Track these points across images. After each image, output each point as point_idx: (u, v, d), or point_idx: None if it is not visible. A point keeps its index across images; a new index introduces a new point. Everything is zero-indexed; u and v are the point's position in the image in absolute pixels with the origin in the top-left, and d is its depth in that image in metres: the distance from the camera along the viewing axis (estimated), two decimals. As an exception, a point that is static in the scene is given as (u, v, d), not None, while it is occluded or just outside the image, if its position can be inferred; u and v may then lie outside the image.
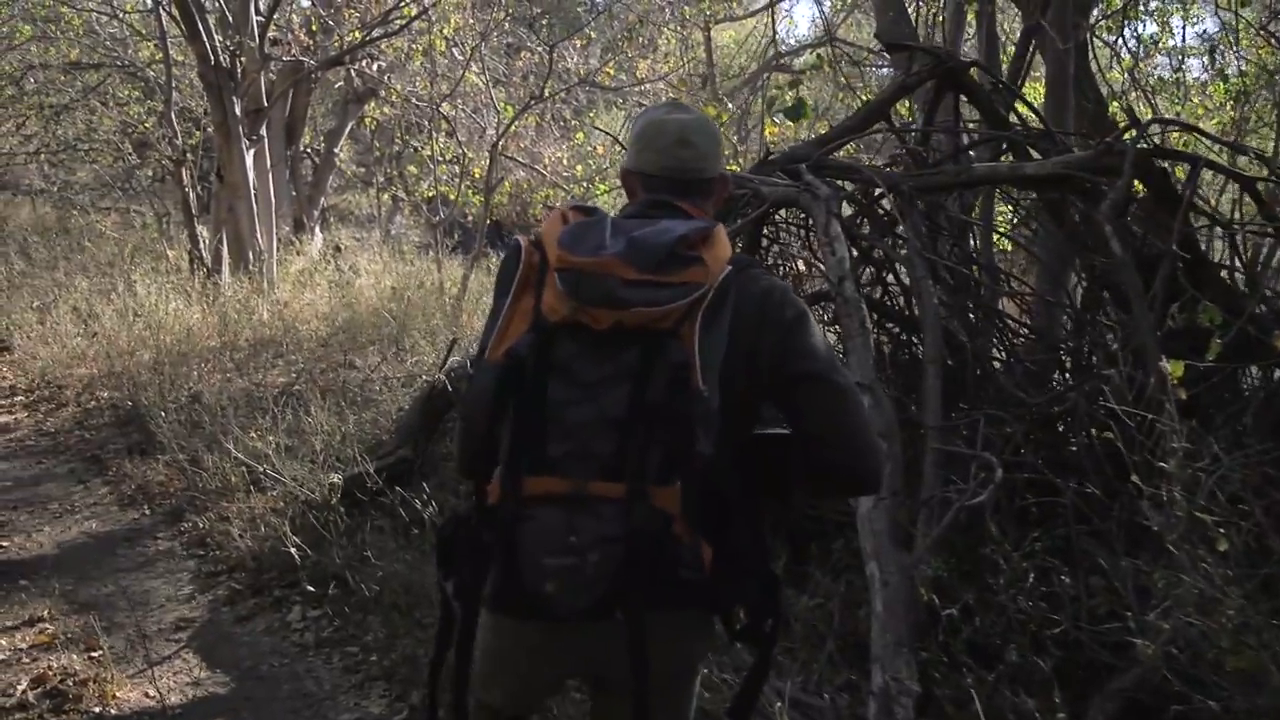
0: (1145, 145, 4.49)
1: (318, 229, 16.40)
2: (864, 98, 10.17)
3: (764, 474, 2.13)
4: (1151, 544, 3.90)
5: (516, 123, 13.02)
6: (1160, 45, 12.00)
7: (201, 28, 11.10)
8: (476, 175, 16.10)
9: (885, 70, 13.56)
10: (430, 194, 18.22)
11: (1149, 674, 3.34)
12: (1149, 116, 6.52)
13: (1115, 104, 11.03)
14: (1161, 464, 3.45)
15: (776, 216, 5.51)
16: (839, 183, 5.18)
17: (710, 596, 2.00)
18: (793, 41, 18.31)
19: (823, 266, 5.52)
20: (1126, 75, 11.10)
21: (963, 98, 5.53)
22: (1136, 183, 4.67)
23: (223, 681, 4.27)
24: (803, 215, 5.38)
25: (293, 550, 4.94)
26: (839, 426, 2.02)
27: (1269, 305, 4.52)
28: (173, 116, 12.67)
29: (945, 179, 5.02)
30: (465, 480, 2.04)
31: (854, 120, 5.56)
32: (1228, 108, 12.01)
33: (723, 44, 19.52)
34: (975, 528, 4.06)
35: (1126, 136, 4.70)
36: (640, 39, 15.72)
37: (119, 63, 14.60)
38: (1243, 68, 11.02)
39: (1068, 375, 5.36)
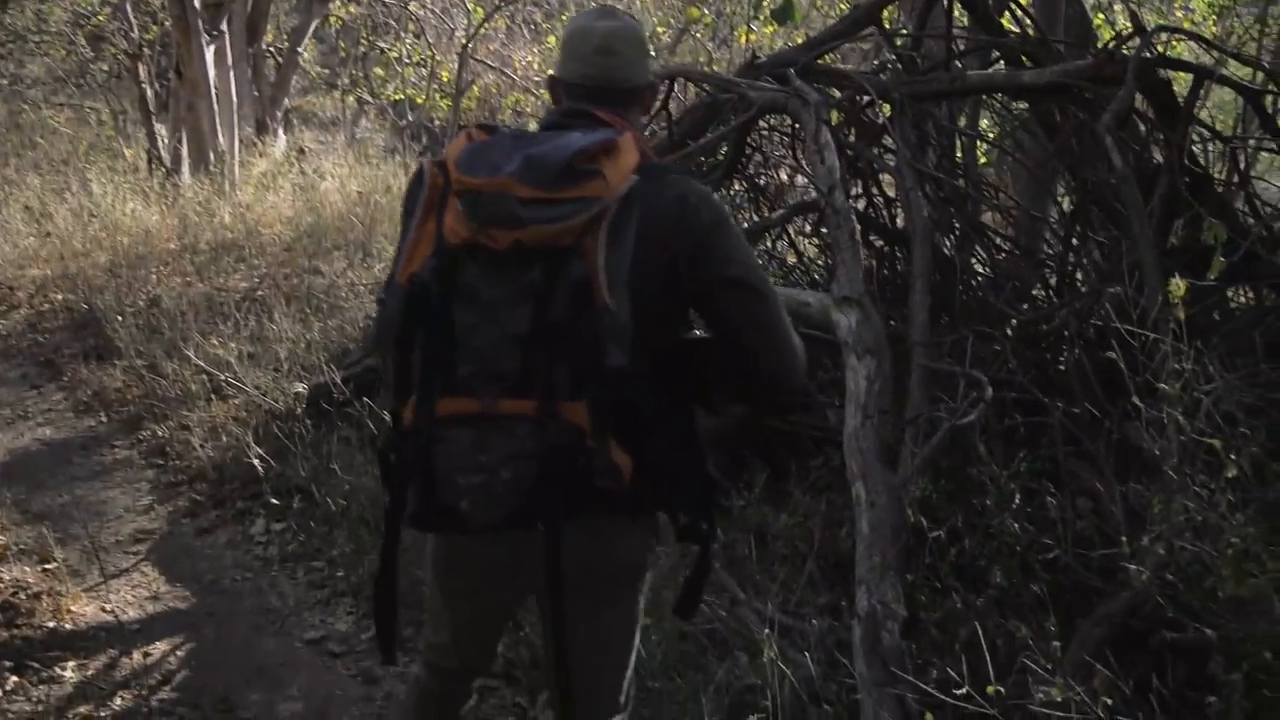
0: (1148, 55, 4.30)
1: (281, 130, 15.98)
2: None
3: (690, 379, 2.16)
4: (1139, 467, 3.81)
5: (486, 25, 12.69)
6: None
7: (158, -85, 10.67)
8: (445, 78, 15.76)
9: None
10: (397, 97, 17.84)
11: (1140, 599, 3.25)
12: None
13: (1100, 16, 10.89)
14: (1161, 385, 3.34)
15: (760, 123, 5.32)
16: (827, 89, 4.99)
17: (631, 504, 2.03)
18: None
19: (810, 174, 5.37)
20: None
21: (956, 2, 5.32)
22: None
23: (183, 596, 4.13)
24: (788, 122, 5.19)
25: (255, 461, 4.77)
26: (759, 331, 2.06)
27: (1266, 223, 4.38)
28: (128, 9, 12.24)
29: (938, 86, 4.84)
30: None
31: (844, 24, 5.35)
32: (1210, 22, 11.87)
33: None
34: (961, 447, 3.94)
35: (1125, 46, 4.50)
36: (613, -62, 15.30)
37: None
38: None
39: (1052, 292, 5.23)
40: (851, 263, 3.97)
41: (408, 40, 15.96)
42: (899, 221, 5.19)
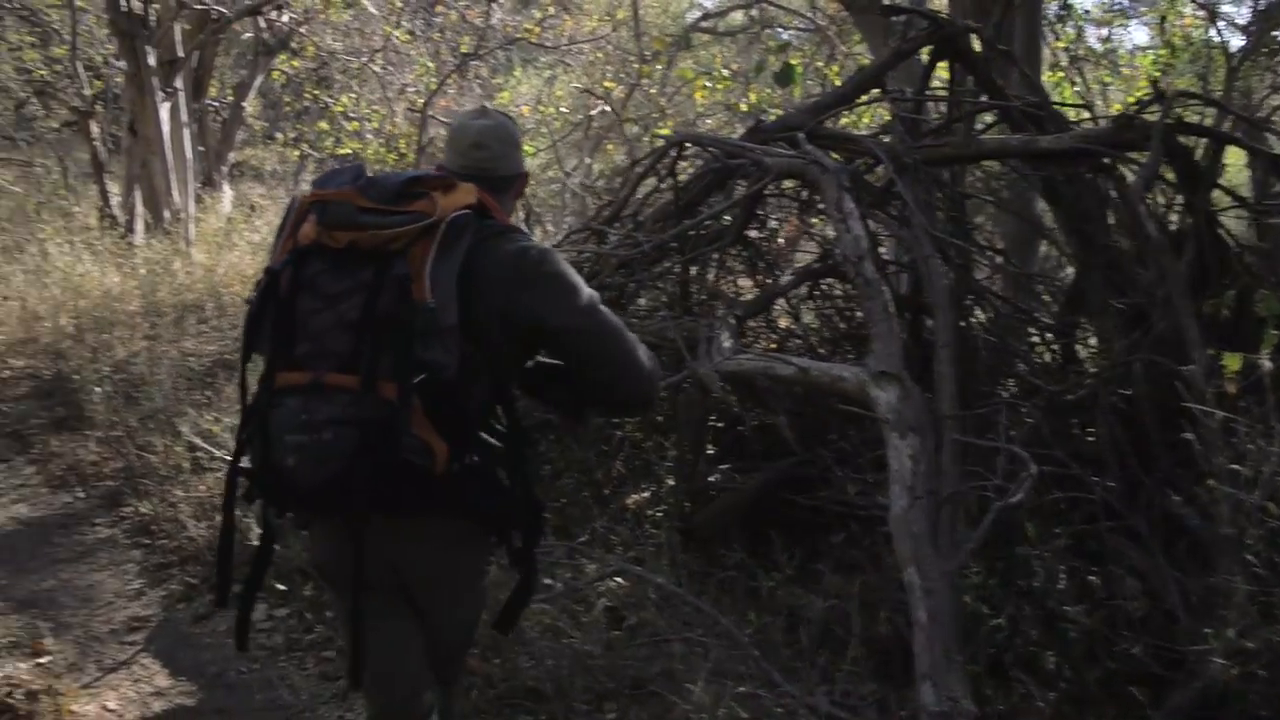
0: (1168, 120, 4.26)
1: (226, 185, 15.71)
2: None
3: (550, 396, 2.62)
4: (1187, 544, 3.74)
5: (443, 80, 12.59)
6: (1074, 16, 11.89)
7: (112, -29, 10.44)
8: (392, 132, 15.60)
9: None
10: (343, 150, 17.63)
11: (1213, 690, 3.16)
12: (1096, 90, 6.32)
13: (1059, 74, 11.03)
14: (1223, 462, 3.27)
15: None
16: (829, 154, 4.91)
17: (445, 497, 2.27)
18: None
19: (816, 240, 5.29)
20: (1067, 47, 11.09)
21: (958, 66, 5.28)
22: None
23: (188, 691, 3.90)
24: (795, 187, 5.12)
25: (254, 540, 4.54)
26: (607, 366, 2.39)
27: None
28: (78, 65, 11.98)
29: (951, 151, 4.79)
30: None
31: (848, 87, 5.30)
32: (1140, 83, 12.07)
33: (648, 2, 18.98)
34: (1003, 524, 3.83)
35: (1145, 112, 4.47)
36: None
37: (11, 3, 13.72)
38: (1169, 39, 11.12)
39: (1055, 358, 5.17)
40: (887, 336, 3.86)
41: (349, 96, 15.80)
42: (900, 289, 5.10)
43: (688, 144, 5.27)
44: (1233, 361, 3.43)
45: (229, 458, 2.38)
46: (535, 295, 2.28)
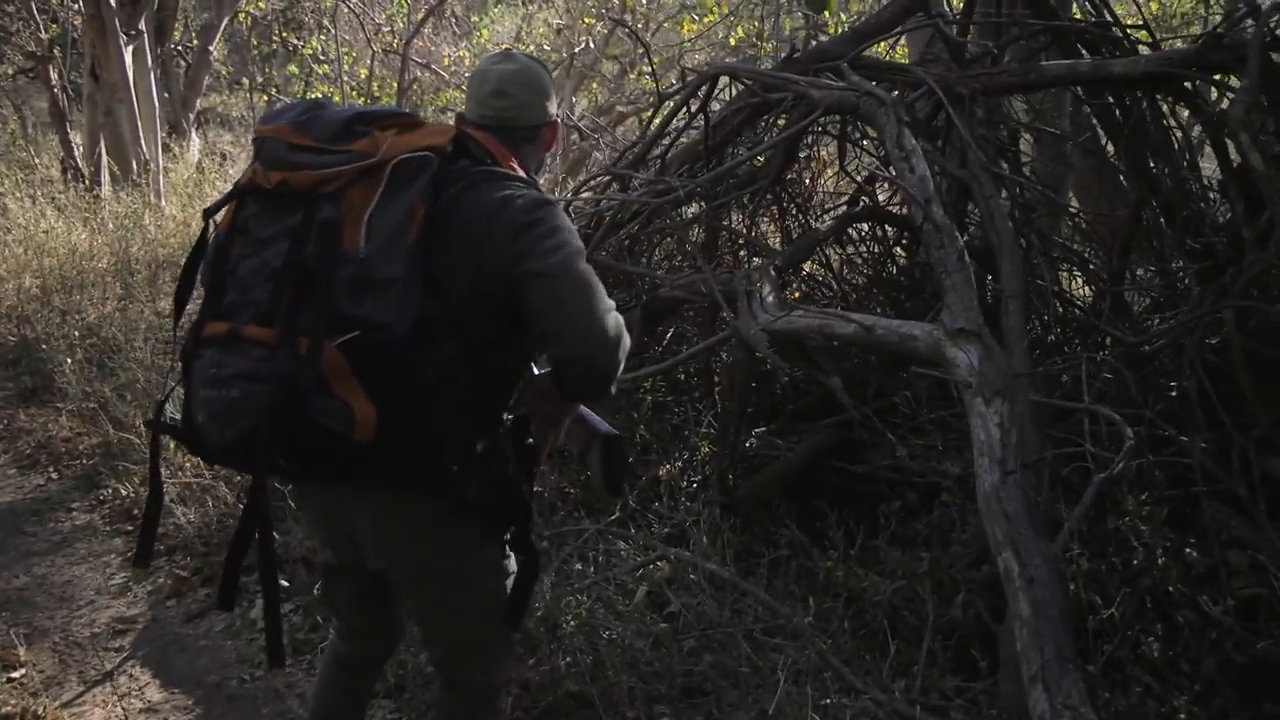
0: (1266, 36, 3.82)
1: (194, 133, 15.10)
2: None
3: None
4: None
5: (413, 20, 12.03)
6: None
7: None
8: (363, 75, 15.07)
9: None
10: (314, 95, 17.05)
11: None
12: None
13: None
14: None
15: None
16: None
17: (382, 468, 2.04)
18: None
19: (858, 180, 4.84)
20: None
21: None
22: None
23: (184, 705, 3.45)
24: (834, 122, 4.64)
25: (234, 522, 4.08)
26: (562, 317, 2.06)
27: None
28: (33, 6, 11.33)
29: (1011, 79, 4.33)
30: None
31: (889, 12, 4.79)
32: (1153, 3, 11.63)
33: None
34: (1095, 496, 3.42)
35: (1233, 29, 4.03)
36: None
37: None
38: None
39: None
40: (963, 287, 3.43)
41: (322, 37, 15.20)
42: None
43: (722, 77, 4.76)
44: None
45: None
46: (511, 241, 2.06)
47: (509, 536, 2.29)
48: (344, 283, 1.92)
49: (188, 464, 4.74)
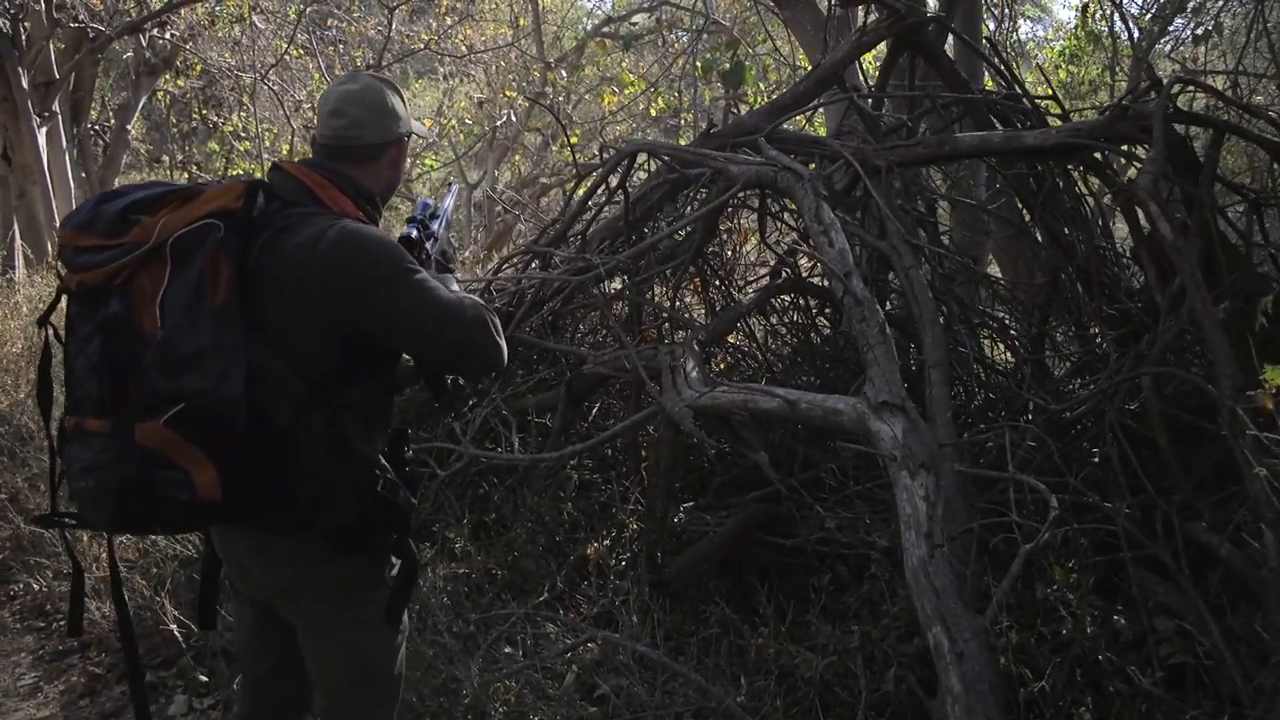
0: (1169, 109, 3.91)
1: (113, 213, 14.90)
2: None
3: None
4: (1220, 575, 3.37)
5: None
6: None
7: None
8: (285, 151, 15.01)
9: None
10: (235, 171, 16.98)
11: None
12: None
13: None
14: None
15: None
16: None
17: (233, 511, 2.11)
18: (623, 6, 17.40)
19: (776, 251, 4.86)
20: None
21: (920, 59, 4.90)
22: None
23: (102, 814, 3.33)
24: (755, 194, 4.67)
25: (170, 622, 3.97)
26: (436, 351, 2.32)
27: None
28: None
29: (926, 151, 4.39)
30: None
31: (806, 85, 4.85)
32: (1060, 71, 11.98)
33: (549, 6, 18.47)
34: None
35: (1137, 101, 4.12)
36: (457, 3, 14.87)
37: None
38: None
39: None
40: (886, 361, 3.44)
41: (242, 114, 15.13)
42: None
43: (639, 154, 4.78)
44: (1275, 375, 3.06)
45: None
46: (330, 282, 2.15)
47: (392, 541, 2.35)
48: (152, 365, 2.00)
49: (103, 554, 4.60)
